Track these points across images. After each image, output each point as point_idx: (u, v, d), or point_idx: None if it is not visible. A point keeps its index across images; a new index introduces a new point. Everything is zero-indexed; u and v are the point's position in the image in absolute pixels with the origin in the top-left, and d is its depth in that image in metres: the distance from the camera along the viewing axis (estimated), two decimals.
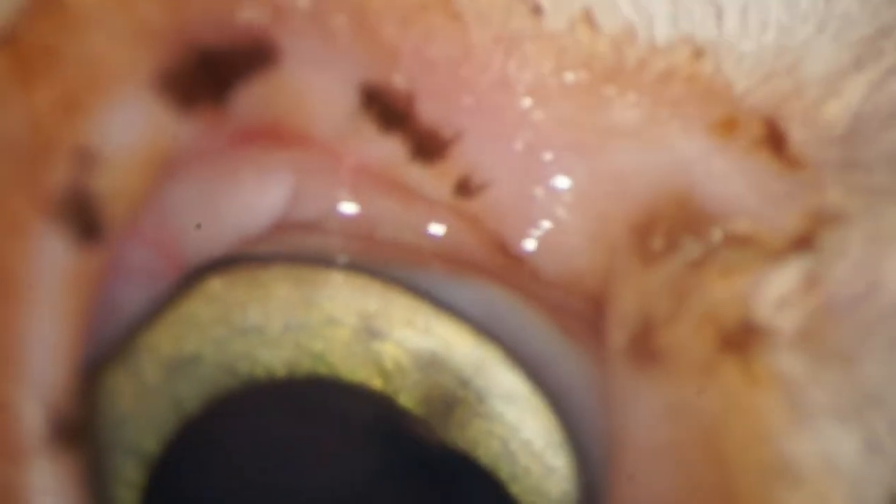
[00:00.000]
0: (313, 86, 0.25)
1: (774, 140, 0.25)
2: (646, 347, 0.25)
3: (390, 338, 0.27)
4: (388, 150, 0.26)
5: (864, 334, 0.24)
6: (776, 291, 0.25)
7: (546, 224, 0.26)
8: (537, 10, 0.25)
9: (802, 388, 0.24)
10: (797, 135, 0.25)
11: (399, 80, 0.25)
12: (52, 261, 0.22)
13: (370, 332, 0.27)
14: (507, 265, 0.27)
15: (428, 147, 0.26)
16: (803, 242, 0.25)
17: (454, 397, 0.27)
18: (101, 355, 0.25)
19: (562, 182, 0.26)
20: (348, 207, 0.27)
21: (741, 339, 0.24)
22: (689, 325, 0.25)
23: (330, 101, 0.25)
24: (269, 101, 0.24)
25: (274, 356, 0.26)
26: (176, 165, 0.24)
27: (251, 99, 0.24)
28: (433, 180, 0.26)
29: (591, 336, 0.26)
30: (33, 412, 0.22)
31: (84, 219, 0.22)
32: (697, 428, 0.24)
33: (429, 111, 0.25)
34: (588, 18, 0.25)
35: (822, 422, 0.24)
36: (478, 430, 0.26)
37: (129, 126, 0.23)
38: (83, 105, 0.22)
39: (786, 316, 0.24)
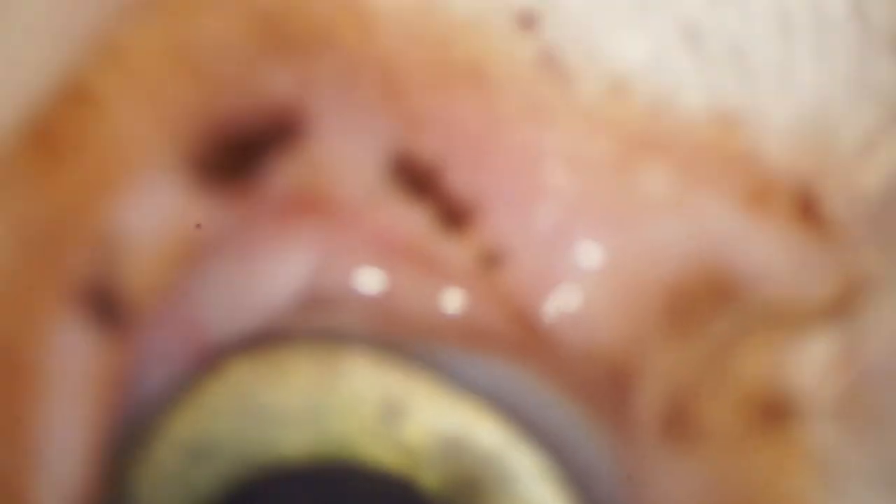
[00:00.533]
0: (343, 154, 0.24)
1: (808, 207, 0.25)
2: (677, 425, 0.25)
3: (413, 419, 0.26)
4: (415, 218, 0.25)
5: None
6: (811, 363, 0.24)
7: (572, 297, 0.26)
8: (566, 80, 0.24)
9: (839, 463, 0.24)
10: (832, 201, 0.25)
11: (427, 149, 0.24)
12: (74, 352, 0.22)
13: (394, 411, 0.26)
14: (530, 339, 0.26)
15: (454, 216, 0.25)
16: (838, 311, 0.24)
17: (478, 478, 0.26)
18: (121, 443, 0.24)
19: (589, 255, 0.26)
20: (371, 276, 0.26)
21: (777, 414, 0.24)
22: (723, 401, 0.24)
23: (359, 168, 0.25)
24: (298, 173, 0.24)
25: (294, 441, 0.26)
26: (206, 248, 0.23)
27: (280, 173, 0.24)
28: (458, 251, 0.26)
29: (616, 413, 0.26)
30: None
31: (108, 308, 0.22)
32: None
33: (455, 180, 0.25)
34: (619, 87, 0.24)
35: (860, 495, 0.23)
36: None
37: (155, 212, 0.22)
38: (108, 192, 0.22)
39: (821, 387, 0.24)
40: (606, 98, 0.24)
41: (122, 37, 0.22)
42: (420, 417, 0.26)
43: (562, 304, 0.26)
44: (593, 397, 0.26)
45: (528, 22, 0.24)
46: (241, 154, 0.23)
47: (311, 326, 0.26)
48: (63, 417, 0.21)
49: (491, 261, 0.26)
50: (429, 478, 0.26)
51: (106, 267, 0.22)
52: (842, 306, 0.24)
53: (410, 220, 0.25)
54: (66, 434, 0.21)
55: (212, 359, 0.25)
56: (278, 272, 0.25)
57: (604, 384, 0.26)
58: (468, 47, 0.24)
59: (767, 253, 0.25)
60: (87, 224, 0.21)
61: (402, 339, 0.26)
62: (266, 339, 0.26)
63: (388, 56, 0.23)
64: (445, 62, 0.24)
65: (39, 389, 0.21)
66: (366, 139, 0.24)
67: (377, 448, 0.26)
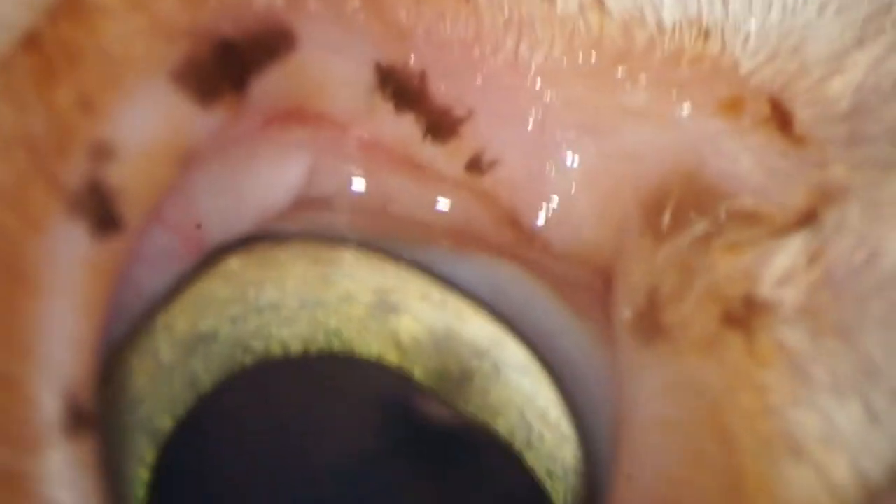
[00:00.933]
0: (330, 68, 0.25)
1: (780, 118, 0.26)
2: (652, 323, 0.26)
3: (407, 312, 0.27)
4: (403, 128, 0.26)
5: (863, 306, 0.25)
6: (779, 267, 0.25)
7: (556, 199, 0.27)
8: None
9: (804, 362, 0.25)
10: (802, 112, 0.26)
11: (412, 61, 0.25)
12: (71, 251, 0.23)
13: (386, 307, 0.27)
14: (517, 240, 0.27)
15: (441, 125, 0.26)
16: (807, 218, 0.25)
17: (470, 369, 0.27)
18: (121, 337, 0.25)
19: (572, 159, 0.27)
20: (362, 183, 0.27)
21: (745, 314, 0.25)
22: (695, 300, 0.25)
23: (346, 81, 0.26)
24: (287, 85, 0.25)
25: (290, 333, 0.27)
26: (197, 153, 0.24)
27: (270, 85, 0.25)
28: (445, 157, 0.26)
29: (599, 310, 0.27)
30: (50, 401, 0.22)
31: (102, 210, 0.23)
32: (702, 402, 0.25)
33: (441, 91, 0.26)
34: (598, 1, 0.25)
35: (822, 395, 0.24)
36: (497, 399, 0.27)
37: (148, 120, 0.23)
38: (101, 101, 0.23)
39: (788, 291, 0.25)
40: (587, 12, 0.25)
41: None
42: (414, 311, 0.27)
43: (546, 206, 0.27)
44: (576, 295, 0.27)
45: None
46: (231, 67, 0.24)
47: (307, 228, 0.27)
48: (61, 314, 0.22)
49: (478, 166, 0.27)
50: (419, 370, 0.27)
51: (101, 172, 0.23)
52: (810, 213, 0.25)
53: (400, 127, 0.26)
54: (61, 326, 0.22)
55: (211, 256, 0.26)
56: (272, 177, 0.26)
57: (586, 282, 0.27)
58: None
59: (742, 159, 0.26)
60: (82, 132, 0.22)
61: (394, 240, 0.27)
62: (263, 239, 0.27)
63: None
64: None
65: (37, 286, 0.22)
66: (353, 52, 0.25)
67: (370, 341, 0.27)
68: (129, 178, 0.23)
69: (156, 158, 0.23)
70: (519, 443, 0.27)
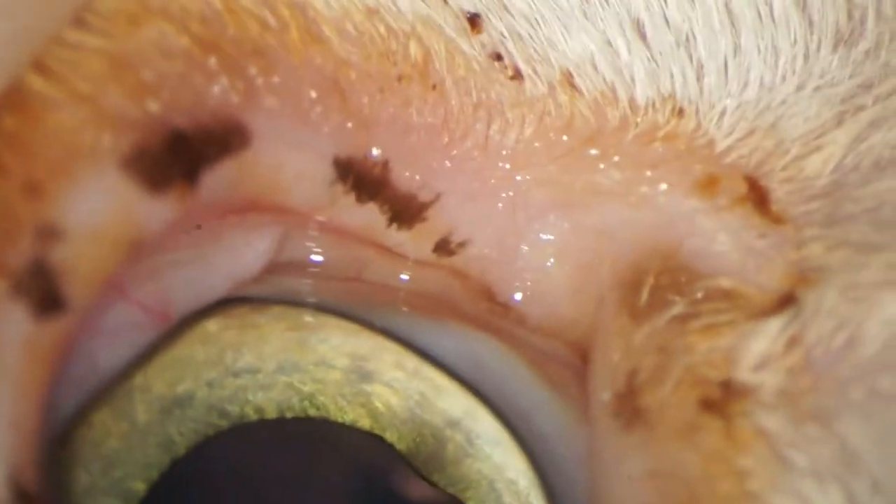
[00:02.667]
0: (286, 162, 0.25)
1: (757, 196, 0.25)
2: (630, 406, 0.25)
3: (380, 380, 0.27)
4: (366, 216, 0.26)
5: (843, 392, 0.24)
6: (757, 351, 0.25)
7: (531, 275, 0.27)
8: (517, 76, 0.25)
9: (784, 448, 0.24)
10: (779, 191, 0.25)
11: (374, 150, 0.25)
12: (11, 332, 0.22)
13: (361, 374, 0.27)
14: (491, 312, 0.27)
15: (405, 212, 0.26)
16: (786, 300, 0.25)
17: (443, 437, 0.27)
18: (71, 411, 0.25)
19: (546, 237, 0.26)
20: (331, 254, 0.27)
21: (723, 398, 0.25)
22: (673, 385, 0.25)
23: (304, 175, 0.25)
24: (241, 179, 0.24)
25: (265, 398, 0.27)
26: (154, 237, 0.23)
27: (223, 178, 0.24)
28: (413, 241, 0.26)
29: (576, 386, 0.27)
30: None
31: (45, 290, 0.23)
32: (680, 490, 0.24)
33: (406, 177, 0.25)
34: (568, 82, 0.25)
35: (803, 481, 0.24)
36: (468, 469, 0.27)
37: (96, 204, 0.23)
38: (49, 186, 0.22)
39: (767, 375, 0.24)
40: (557, 93, 0.25)
41: (63, 45, 0.22)
42: (388, 378, 0.27)
43: (520, 282, 0.27)
44: (553, 370, 0.27)
45: (475, 21, 0.24)
46: (181, 158, 0.23)
47: (281, 293, 0.27)
48: (2, 398, 0.22)
49: (446, 248, 0.26)
50: (394, 437, 0.27)
51: (46, 252, 0.22)
52: (789, 295, 0.25)
53: (362, 217, 0.26)
54: (3, 415, 0.22)
55: (184, 321, 0.26)
56: (240, 250, 0.26)
57: (563, 357, 0.27)
58: (417, 49, 0.24)
59: (719, 239, 0.25)
60: (28, 217, 0.22)
61: (369, 306, 0.27)
62: (241, 303, 0.27)
63: (334, 62, 0.23)
64: (395, 64, 0.24)
65: None
66: (311, 146, 0.25)
67: (344, 407, 0.27)
68: (75, 260, 0.23)
69: (103, 242, 0.23)
70: None
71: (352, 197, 0.25)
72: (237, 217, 0.25)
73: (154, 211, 0.23)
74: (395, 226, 0.26)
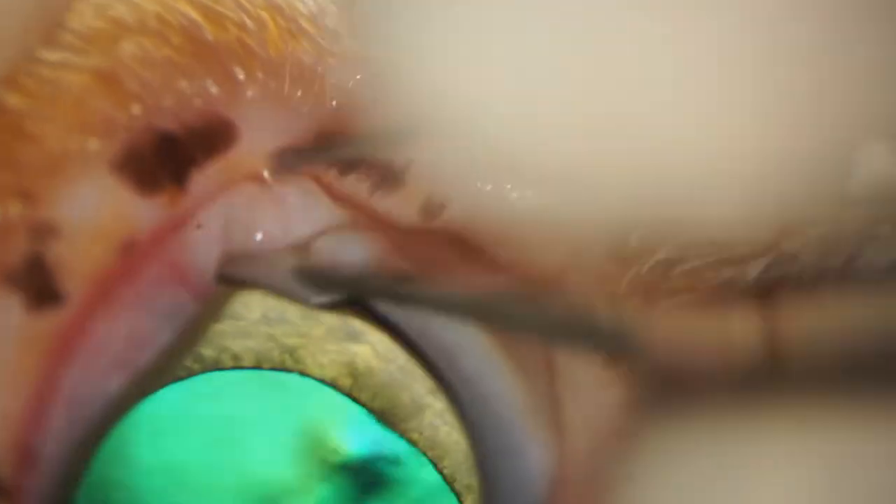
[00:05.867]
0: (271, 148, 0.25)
1: None
2: None
3: (367, 341, 0.28)
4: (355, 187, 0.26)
5: None
6: None
7: None
8: None
9: None
10: None
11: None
12: (8, 326, 0.23)
13: (348, 333, 0.27)
14: None
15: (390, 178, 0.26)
16: None
17: (423, 404, 0.28)
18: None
19: None
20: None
21: None
22: None
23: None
24: (234, 170, 0.25)
25: (245, 346, 0.27)
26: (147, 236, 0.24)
27: (213, 175, 0.25)
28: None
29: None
30: None
31: (41, 284, 0.23)
32: None
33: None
34: None
35: None
36: (447, 438, 0.27)
37: (90, 205, 0.23)
38: (41, 190, 0.23)
39: None
40: None
41: (38, 63, 0.23)
42: (371, 343, 0.27)
43: None
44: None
45: None
46: (170, 160, 0.24)
47: None
48: None
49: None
50: (367, 397, 0.28)
51: (41, 248, 0.23)
52: None
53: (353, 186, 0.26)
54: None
55: None
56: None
57: None
58: None
59: None
60: (23, 219, 0.23)
61: None
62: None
63: (314, 53, 0.24)
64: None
65: None
66: (295, 130, 0.25)
67: (326, 364, 0.27)
68: (71, 257, 0.24)
69: (98, 241, 0.24)
70: (459, 485, 0.28)
71: (335, 170, 0.26)
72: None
73: (147, 212, 0.24)
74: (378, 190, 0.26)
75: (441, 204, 0.27)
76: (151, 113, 0.23)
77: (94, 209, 0.23)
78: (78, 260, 0.24)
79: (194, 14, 0.23)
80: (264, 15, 0.23)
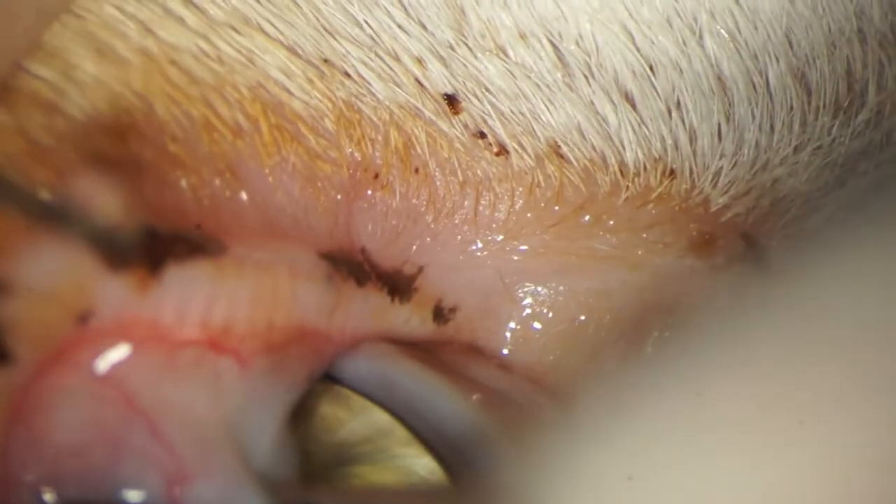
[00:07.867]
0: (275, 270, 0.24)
1: (756, 255, 0.25)
2: None
3: None
4: (371, 300, 0.25)
5: None
6: None
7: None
8: (502, 152, 0.24)
9: None
10: (773, 247, 0.25)
11: (353, 238, 0.25)
12: None
13: None
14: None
15: (398, 285, 0.25)
16: None
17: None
18: None
19: (537, 300, 0.26)
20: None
21: None
22: None
23: (300, 273, 0.24)
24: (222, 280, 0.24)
25: None
26: (107, 315, 0.23)
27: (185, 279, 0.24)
28: (416, 313, 0.26)
29: None
30: None
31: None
32: None
33: (387, 256, 0.25)
34: (555, 152, 0.24)
35: None
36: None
37: (50, 269, 0.23)
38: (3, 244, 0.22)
39: None
40: (542, 163, 0.24)
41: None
42: None
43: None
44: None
45: (453, 102, 0.23)
46: (150, 246, 0.23)
47: None
48: None
49: (440, 315, 0.26)
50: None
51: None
52: None
53: (368, 300, 0.25)
54: None
55: None
56: None
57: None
58: (398, 135, 0.23)
59: (719, 298, 0.25)
60: None
61: None
62: None
63: (308, 157, 0.23)
64: (375, 152, 0.23)
65: None
66: (295, 249, 0.24)
67: None
68: (23, 317, 0.23)
69: (53, 306, 0.23)
70: None
71: (352, 282, 0.25)
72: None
73: (109, 288, 0.23)
74: (397, 300, 0.25)
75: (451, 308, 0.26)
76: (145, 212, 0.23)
77: (55, 273, 0.23)
78: (31, 322, 0.23)
79: (194, 113, 0.22)
80: (263, 127, 0.23)
